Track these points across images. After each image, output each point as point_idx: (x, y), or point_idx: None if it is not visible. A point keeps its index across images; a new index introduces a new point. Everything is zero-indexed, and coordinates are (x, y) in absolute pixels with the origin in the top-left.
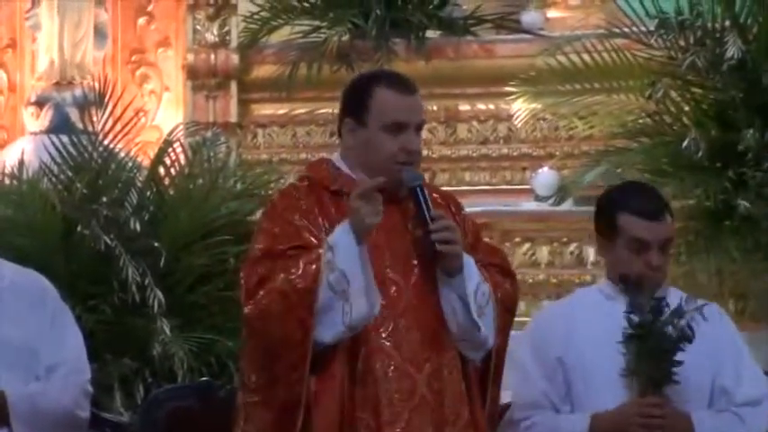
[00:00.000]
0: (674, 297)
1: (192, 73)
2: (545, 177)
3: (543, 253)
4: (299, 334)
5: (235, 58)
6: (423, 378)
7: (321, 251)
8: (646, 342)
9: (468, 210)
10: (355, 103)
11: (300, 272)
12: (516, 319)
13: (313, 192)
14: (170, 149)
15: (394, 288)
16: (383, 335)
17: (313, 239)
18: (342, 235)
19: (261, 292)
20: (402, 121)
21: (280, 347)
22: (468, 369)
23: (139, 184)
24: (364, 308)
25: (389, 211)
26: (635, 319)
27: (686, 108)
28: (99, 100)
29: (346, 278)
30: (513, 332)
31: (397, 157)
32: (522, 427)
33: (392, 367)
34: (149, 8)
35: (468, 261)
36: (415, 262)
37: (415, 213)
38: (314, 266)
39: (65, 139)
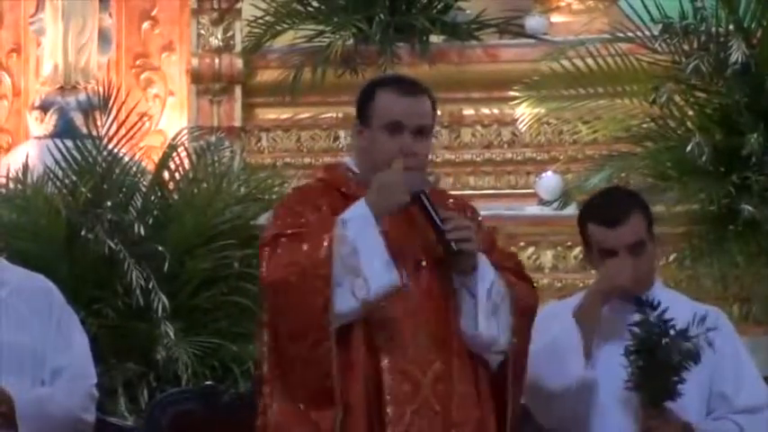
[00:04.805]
0: (670, 300)
1: (196, 77)
2: (549, 181)
3: (547, 257)
4: (320, 302)
5: (239, 63)
6: (427, 381)
7: (335, 228)
8: (651, 358)
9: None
10: (362, 105)
11: (314, 243)
12: None
13: (326, 193)
14: (174, 154)
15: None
16: (390, 337)
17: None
18: (356, 210)
19: (274, 268)
20: (399, 120)
21: (302, 321)
22: (480, 372)
23: (144, 189)
24: (386, 279)
25: (393, 215)
26: (641, 334)
27: (690, 112)
28: (103, 104)
29: (357, 253)
30: None
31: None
32: None
33: (396, 369)
34: (153, 13)
35: (482, 259)
36: (425, 264)
37: (425, 218)
38: (327, 240)
39: (69, 143)
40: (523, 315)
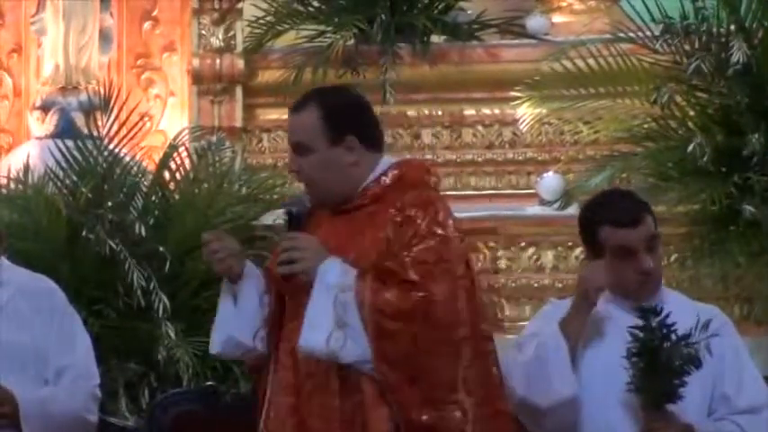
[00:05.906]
0: (673, 301)
1: (197, 77)
2: (550, 182)
3: (548, 257)
4: None
5: (240, 63)
6: (305, 395)
7: None
8: (652, 361)
9: (472, 214)
10: None
11: None
12: (520, 324)
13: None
14: (175, 154)
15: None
16: (284, 352)
17: None
18: None
19: None
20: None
21: None
22: (367, 386)
23: (144, 189)
24: (216, 347)
25: (337, 223)
26: (642, 337)
27: (691, 113)
28: (104, 104)
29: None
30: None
31: None
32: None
33: (282, 383)
34: (154, 13)
35: (327, 273)
36: None
37: None
38: None
39: (70, 143)
40: (387, 319)
